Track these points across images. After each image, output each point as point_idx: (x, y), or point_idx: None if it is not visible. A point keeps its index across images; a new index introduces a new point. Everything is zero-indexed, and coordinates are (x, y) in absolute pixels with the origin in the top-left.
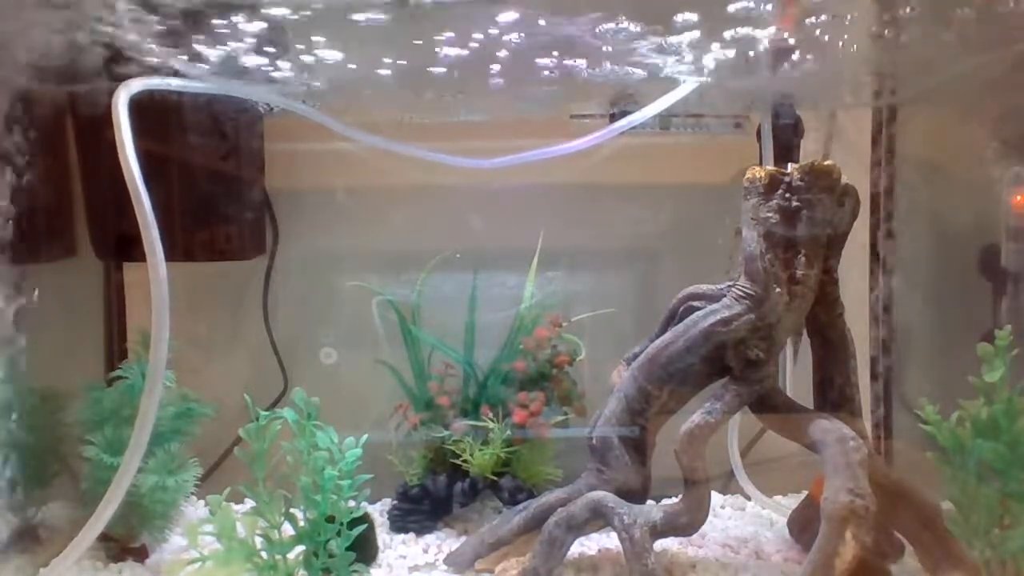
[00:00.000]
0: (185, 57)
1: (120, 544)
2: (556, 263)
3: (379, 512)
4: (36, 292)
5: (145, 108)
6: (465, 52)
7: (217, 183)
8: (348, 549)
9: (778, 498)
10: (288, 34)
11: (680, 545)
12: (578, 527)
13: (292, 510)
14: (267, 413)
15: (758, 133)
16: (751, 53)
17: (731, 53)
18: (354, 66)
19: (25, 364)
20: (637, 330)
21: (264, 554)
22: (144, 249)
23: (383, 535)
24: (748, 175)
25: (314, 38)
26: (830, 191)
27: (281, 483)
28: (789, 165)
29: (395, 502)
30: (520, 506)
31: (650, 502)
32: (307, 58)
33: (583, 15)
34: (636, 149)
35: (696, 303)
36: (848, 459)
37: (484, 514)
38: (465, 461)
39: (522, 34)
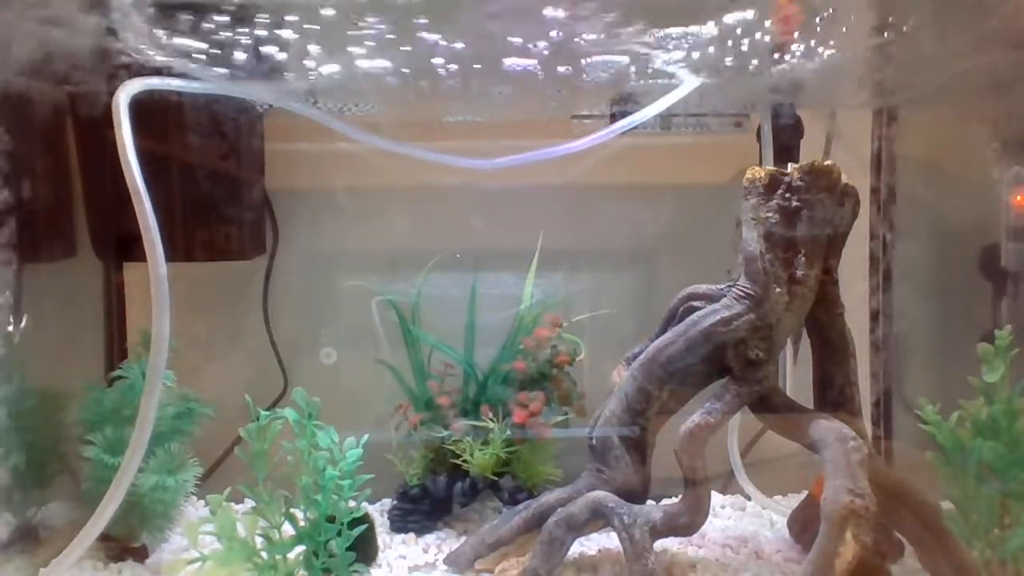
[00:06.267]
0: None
1: (120, 544)
2: (556, 263)
3: (379, 512)
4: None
5: (145, 108)
6: (467, 50)
7: (217, 183)
8: (348, 549)
9: (778, 498)
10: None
11: (680, 545)
12: (578, 527)
13: (292, 510)
14: (267, 413)
15: (758, 133)
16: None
17: (730, 55)
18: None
19: (24, 364)
20: (637, 330)
21: (264, 554)
22: (144, 249)
23: (383, 535)
24: (748, 175)
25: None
26: (830, 191)
27: (281, 483)
28: (789, 165)
29: (395, 502)
30: (520, 506)
31: (650, 502)
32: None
33: (585, 14)
34: (636, 149)
35: (696, 303)
36: (848, 459)
37: (484, 514)
38: (465, 461)
39: (522, 33)
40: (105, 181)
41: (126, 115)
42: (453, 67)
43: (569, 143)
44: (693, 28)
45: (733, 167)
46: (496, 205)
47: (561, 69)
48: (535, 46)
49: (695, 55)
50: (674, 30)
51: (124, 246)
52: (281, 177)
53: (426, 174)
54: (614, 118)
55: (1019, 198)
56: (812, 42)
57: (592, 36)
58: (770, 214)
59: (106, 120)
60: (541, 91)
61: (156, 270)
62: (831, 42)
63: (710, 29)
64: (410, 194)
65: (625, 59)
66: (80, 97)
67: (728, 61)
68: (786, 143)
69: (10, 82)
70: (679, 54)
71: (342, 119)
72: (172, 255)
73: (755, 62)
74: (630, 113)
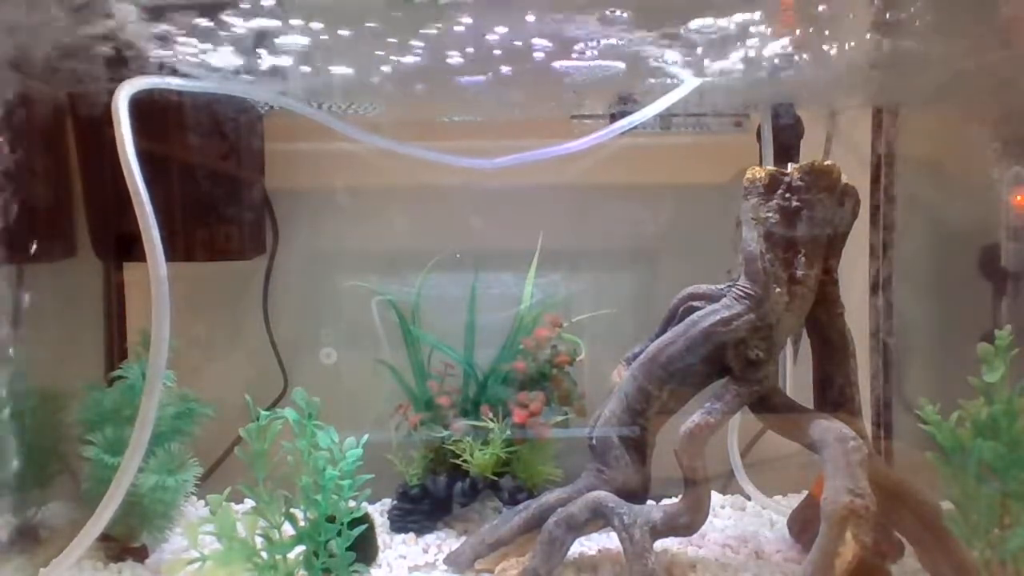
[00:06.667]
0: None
1: (120, 544)
2: (556, 263)
3: (379, 512)
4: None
5: (145, 108)
6: (468, 50)
7: (217, 183)
8: (348, 549)
9: (778, 498)
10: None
11: (680, 545)
12: (578, 527)
13: (292, 510)
14: (267, 413)
15: (758, 133)
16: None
17: (732, 55)
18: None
19: (24, 364)
20: (637, 330)
21: (264, 554)
22: (144, 249)
23: (383, 535)
24: (748, 175)
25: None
26: (830, 191)
27: (281, 483)
28: (789, 165)
29: (395, 502)
30: (520, 506)
31: (650, 502)
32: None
33: (585, 14)
34: (636, 149)
35: (696, 303)
36: (848, 459)
37: (484, 514)
38: (465, 461)
39: (522, 33)
40: (105, 181)
41: (126, 115)
42: (460, 65)
43: (569, 143)
44: (694, 26)
45: (733, 167)
46: (496, 205)
47: (564, 69)
48: (539, 45)
49: (695, 54)
50: (674, 29)
51: (124, 246)
52: (281, 177)
53: (426, 174)
54: (614, 118)
55: (1019, 198)
56: (812, 41)
57: (595, 37)
58: (770, 214)
59: (106, 120)
60: (542, 91)
61: (156, 270)
62: (831, 41)
63: (711, 28)
64: (410, 194)
65: (623, 63)
66: (80, 97)
67: (728, 60)
68: (786, 143)
69: (11, 82)
70: (680, 54)
71: (342, 119)
72: (172, 255)
73: (755, 62)
74: (630, 113)
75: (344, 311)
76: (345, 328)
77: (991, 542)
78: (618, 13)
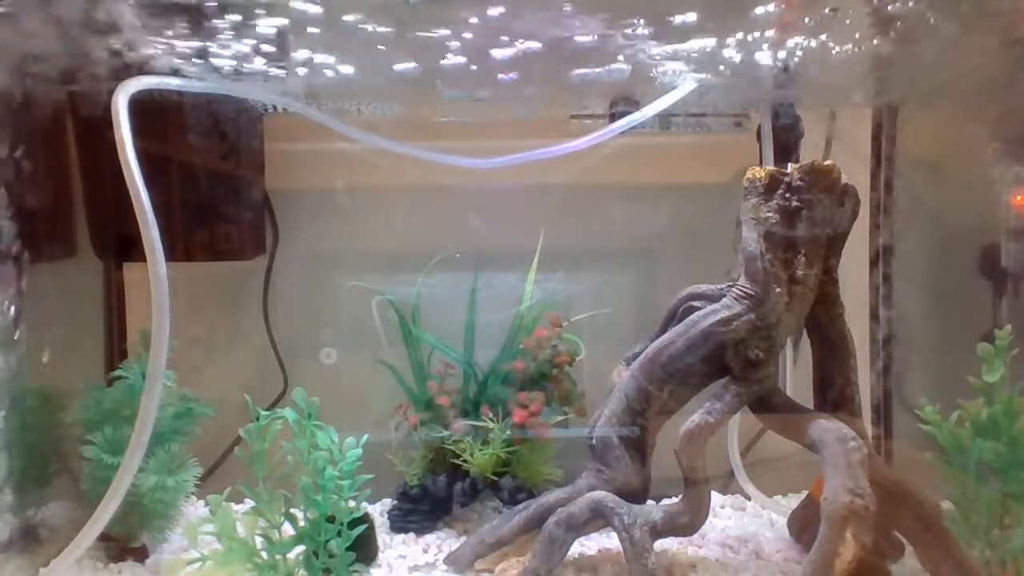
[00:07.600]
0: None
1: (120, 544)
2: (556, 263)
3: (379, 512)
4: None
5: (145, 108)
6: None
7: (217, 183)
8: (348, 549)
9: (778, 498)
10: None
11: (680, 545)
12: (578, 527)
13: (292, 510)
14: (267, 413)
15: (758, 133)
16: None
17: (732, 53)
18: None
19: (25, 364)
20: (637, 330)
21: (264, 554)
22: (144, 249)
23: (383, 535)
24: (748, 175)
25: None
26: (830, 191)
27: (281, 483)
28: (789, 165)
29: (395, 502)
30: (520, 506)
31: (650, 502)
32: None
33: (584, 14)
34: (636, 149)
35: (696, 303)
36: (848, 459)
37: (484, 514)
38: (465, 461)
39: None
40: (105, 181)
41: (125, 115)
42: (460, 64)
43: (569, 143)
44: (693, 23)
45: (733, 167)
46: (496, 205)
47: (566, 69)
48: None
49: (695, 54)
50: (675, 28)
51: (124, 246)
52: (281, 177)
53: (426, 174)
54: (614, 118)
55: (1019, 198)
56: (812, 40)
57: (594, 36)
58: (770, 214)
59: (106, 120)
60: (544, 91)
61: (156, 270)
62: (831, 40)
63: (711, 27)
64: (410, 194)
65: (627, 65)
66: (80, 97)
67: (728, 59)
68: (786, 143)
69: (11, 82)
70: (680, 52)
71: (342, 119)
72: (172, 255)
73: (756, 61)
74: (630, 113)
75: (344, 311)
76: (345, 328)
77: (991, 542)
78: (617, 15)
